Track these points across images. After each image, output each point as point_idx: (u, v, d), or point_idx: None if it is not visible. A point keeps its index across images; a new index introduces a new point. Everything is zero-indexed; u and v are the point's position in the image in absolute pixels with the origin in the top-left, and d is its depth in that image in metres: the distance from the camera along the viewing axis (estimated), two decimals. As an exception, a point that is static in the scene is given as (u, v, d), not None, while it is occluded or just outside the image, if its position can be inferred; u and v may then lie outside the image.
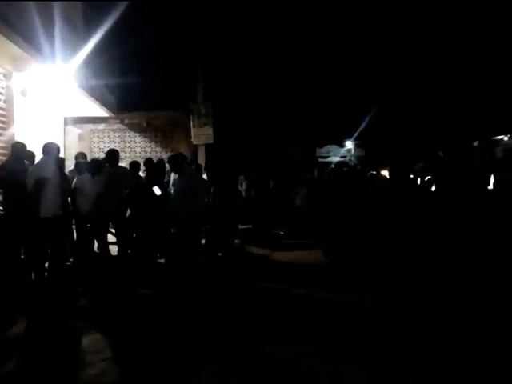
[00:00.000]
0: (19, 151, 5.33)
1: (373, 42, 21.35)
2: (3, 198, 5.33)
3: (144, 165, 7.07)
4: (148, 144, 11.54)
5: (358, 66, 22.11)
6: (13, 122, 7.37)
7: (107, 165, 6.43)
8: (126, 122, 11.40)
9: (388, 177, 11.11)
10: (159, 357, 3.50)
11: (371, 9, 20.07)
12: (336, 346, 3.76)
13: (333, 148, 23.24)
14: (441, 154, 14.93)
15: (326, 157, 22.34)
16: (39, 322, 4.32)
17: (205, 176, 8.35)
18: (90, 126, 11.36)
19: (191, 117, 11.25)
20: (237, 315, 4.52)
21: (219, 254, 7.20)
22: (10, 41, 5.79)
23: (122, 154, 9.74)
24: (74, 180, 6.06)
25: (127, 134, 11.49)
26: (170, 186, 6.78)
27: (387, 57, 21.81)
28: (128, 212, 6.48)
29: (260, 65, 17.20)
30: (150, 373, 3.26)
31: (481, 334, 3.93)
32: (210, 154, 11.38)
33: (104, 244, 6.21)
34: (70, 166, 7.16)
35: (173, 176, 6.89)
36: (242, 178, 11.09)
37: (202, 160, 10.89)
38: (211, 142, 11.39)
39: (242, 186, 10.92)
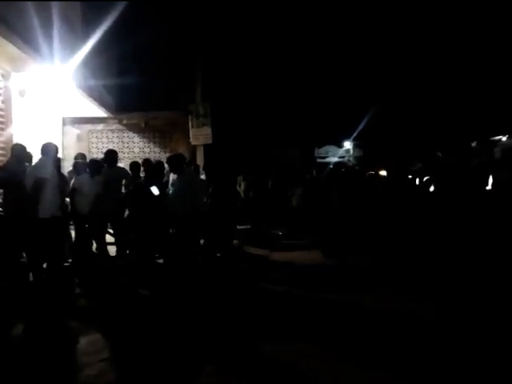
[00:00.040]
0: (19, 152, 5.34)
1: (371, 43, 21.39)
2: (3, 198, 5.32)
3: (142, 165, 7.06)
4: (146, 144, 11.52)
5: (356, 67, 22.15)
6: (11, 123, 7.36)
7: (105, 165, 6.42)
8: (125, 122, 11.38)
9: (386, 177, 11.14)
10: (159, 357, 3.49)
11: (369, 10, 20.11)
12: (336, 346, 3.76)
13: (331, 148, 23.30)
14: (439, 154, 14.97)
15: (324, 157, 22.39)
16: (38, 322, 4.31)
17: (203, 176, 8.35)
18: (89, 127, 11.34)
19: (190, 117, 11.24)
20: (236, 315, 4.52)
21: (218, 254, 7.19)
22: (9, 41, 5.78)
23: (120, 155, 9.72)
24: (73, 180, 6.04)
25: (126, 135, 11.46)
26: (169, 186, 6.78)
27: (386, 57, 21.84)
28: (126, 212, 6.46)
29: (258, 65, 17.21)
30: (149, 373, 3.26)
31: (481, 333, 3.94)
32: (208, 155, 11.37)
33: (102, 244, 6.19)
34: (68, 166, 7.15)
35: (172, 176, 6.89)
36: (240, 178, 11.09)
37: (200, 160, 10.88)
38: (210, 142, 11.38)
39: (240, 186, 10.92)
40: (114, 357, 3.57)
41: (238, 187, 10.26)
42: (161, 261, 6.21)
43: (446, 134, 20.23)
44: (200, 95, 11.54)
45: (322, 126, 22.94)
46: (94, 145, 11.36)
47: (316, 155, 22.70)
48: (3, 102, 7.22)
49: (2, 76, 7.18)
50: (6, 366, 3.38)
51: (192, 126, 11.23)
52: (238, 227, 9.04)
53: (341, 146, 24.12)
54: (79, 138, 11.22)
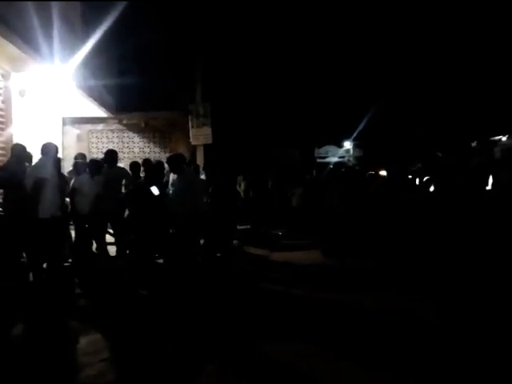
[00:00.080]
0: (19, 152, 5.35)
1: (371, 43, 21.40)
2: (3, 198, 5.33)
3: (142, 165, 7.06)
4: (146, 144, 11.52)
5: (356, 67, 22.16)
6: (11, 123, 7.35)
7: (105, 165, 6.42)
8: (125, 122, 11.39)
9: (386, 177, 11.13)
10: (159, 357, 3.49)
11: (369, 10, 20.12)
12: (336, 346, 3.76)
13: (331, 148, 23.32)
14: (439, 154, 14.96)
15: (324, 157, 22.40)
16: (38, 322, 4.31)
17: (203, 176, 8.35)
18: (89, 127, 11.34)
19: (190, 117, 11.24)
20: (236, 315, 4.52)
21: (218, 254, 7.19)
22: (9, 41, 5.78)
23: (120, 155, 9.73)
24: (72, 180, 6.04)
25: (126, 135, 11.47)
26: (169, 186, 6.78)
27: (386, 57, 21.85)
28: (126, 212, 6.46)
29: (258, 65, 17.21)
30: (149, 373, 3.25)
31: (480, 333, 3.94)
32: (208, 155, 11.37)
33: (102, 244, 6.19)
34: (68, 166, 7.15)
35: (172, 176, 6.89)
36: (240, 178, 11.09)
37: (200, 160, 10.88)
38: (210, 142, 11.37)
39: (240, 186, 10.91)
40: (114, 357, 3.57)
41: (238, 187, 10.26)
42: (161, 261, 6.21)
43: (446, 133, 20.23)
44: (200, 95, 11.54)
45: (322, 126, 22.96)
46: (94, 145, 11.37)
47: (316, 155, 22.71)
48: (3, 102, 7.22)
49: (2, 76, 7.18)
50: (6, 366, 3.39)
51: (192, 126, 11.23)
52: (238, 227, 9.04)
53: (341, 146, 24.14)
54: (79, 138, 11.23)
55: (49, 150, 5.23)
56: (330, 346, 3.77)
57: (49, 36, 6.79)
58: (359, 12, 20.39)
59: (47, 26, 6.76)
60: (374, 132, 23.02)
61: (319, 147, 23.18)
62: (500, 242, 6.13)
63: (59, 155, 5.93)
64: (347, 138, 23.95)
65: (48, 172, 5.04)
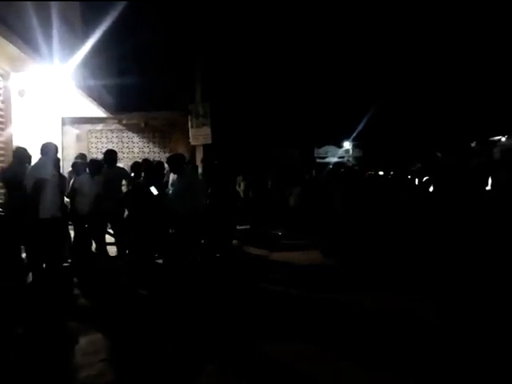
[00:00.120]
0: (20, 154, 5.44)
1: (371, 43, 21.41)
2: (5, 198, 5.34)
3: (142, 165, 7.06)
4: (146, 144, 11.51)
5: (356, 67, 22.17)
6: (11, 123, 7.34)
7: (105, 165, 6.42)
8: (124, 122, 11.37)
9: (384, 176, 11.14)
10: (159, 357, 3.49)
11: (369, 10, 20.12)
12: (336, 346, 3.76)
13: (331, 149, 23.34)
14: (439, 154, 14.97)
15: (323, 157, 22.42)
16: (38, 322, 4.30)
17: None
18: (88, 127, 11.32)
19: (189, 117, 11.22)
20: (236, 315, 4.52)
21: (217, 254, 7.19)
22: (8, 41, 5.77)
23: (120, 155, 9.71)
24: (72, 180, 6.04)
25: (125, 135, 11.45)
26: (169, 186, 6.78)
27: (385, 58, 21.86)
28: (126, 212, 6.46)
29: (258, 65, 17.21)
30: (149, 373, 3.25)
31: (480, 333, 3.94)
32: (208, 155, 11.36)
33: (102, 244, 6.19)
34: (68, 166, 7.14)
35: (172, 176, 6.89)
36: (240, 178, 11.08)
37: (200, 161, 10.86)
38: (209, 142, 11.35)
39: (240, 186, 10.91)
40: (114, 357, 3.57)
41: (237, 187, 10.26)
42: (161, 261, 6.21)
43: (446, 134, 20.26)
44: (200, 95, 11.51)
45: (322, 127, 22.98)
46: (94, 145, 11.35)
47: (315, 155, 22.73)
48: (3, 102, 7.21)
49: (2, 76, 7.17)
50: (6, 366, 3.38)
51: (191, 126, 11.21)
52: (238, 227, 9.04)
53: (340, 146, 24.16)
54: (79, 137, 11.21)
55: (48, 149, 5.23)
56: (330, 345, 3.77)
57: (48, 36, 6.79)
58: (359, 12, 20.41)
59: (47, 26, 6.75)
60: (373, 132, 23.05)
61: (319, 147, 23.20)
62: (499, 241, 6.14)
63: (58, 155, 5.93)
64: (347, 138, 23.99)
65: (48, 172, 5.04)
